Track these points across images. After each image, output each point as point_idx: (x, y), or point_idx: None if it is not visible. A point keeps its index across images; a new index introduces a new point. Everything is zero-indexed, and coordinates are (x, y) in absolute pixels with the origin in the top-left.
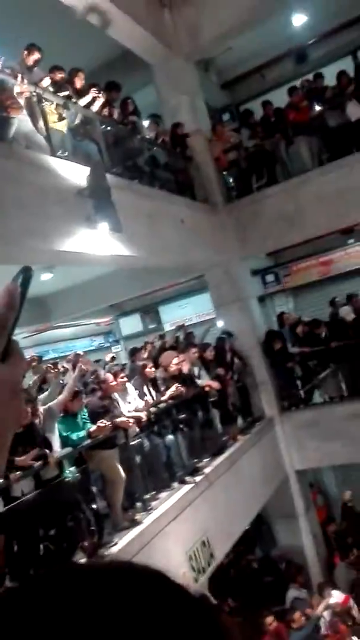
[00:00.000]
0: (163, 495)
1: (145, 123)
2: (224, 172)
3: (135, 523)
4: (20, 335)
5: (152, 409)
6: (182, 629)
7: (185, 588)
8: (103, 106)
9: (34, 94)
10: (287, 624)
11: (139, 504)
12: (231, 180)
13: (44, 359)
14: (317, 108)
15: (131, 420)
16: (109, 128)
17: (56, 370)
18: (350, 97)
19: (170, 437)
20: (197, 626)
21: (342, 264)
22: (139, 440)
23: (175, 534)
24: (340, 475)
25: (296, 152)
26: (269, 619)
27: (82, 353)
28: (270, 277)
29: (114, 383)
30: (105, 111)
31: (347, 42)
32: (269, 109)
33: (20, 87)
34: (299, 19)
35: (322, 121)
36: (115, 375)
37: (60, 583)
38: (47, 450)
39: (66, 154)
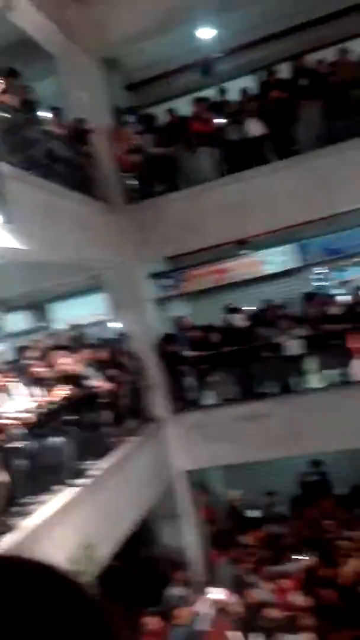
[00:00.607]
0: (46, 498)
1: (45, 114)
2: (126, 174)
3: (12, 528)
4: None
5: (40, 410)
6: (71, 622)
7: (77, 583)
8: None
9: None
10: (168, 622)
11: (18, 509)
12: (133, 182)
13: None
14: (220, 121)
15: (16, 421)
16: (5, 115)
17: None
18: (249, 114)
19: (57, 438)
20: (86, 619)
21: (236, 273)
22: (24, 442)
23: (57, 538)
24: (225, 475)
25: (198, 161)
26: (149, 619)
27: None
28: (167, 281)
29: None
30: (1, 98)
31: (251, 60)
32: (174, 117)
33: None
34: (207, 32)
35: (224, 134)
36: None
37: None
38: None
39: None
